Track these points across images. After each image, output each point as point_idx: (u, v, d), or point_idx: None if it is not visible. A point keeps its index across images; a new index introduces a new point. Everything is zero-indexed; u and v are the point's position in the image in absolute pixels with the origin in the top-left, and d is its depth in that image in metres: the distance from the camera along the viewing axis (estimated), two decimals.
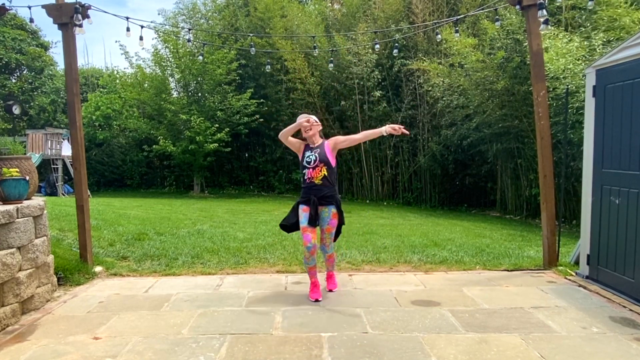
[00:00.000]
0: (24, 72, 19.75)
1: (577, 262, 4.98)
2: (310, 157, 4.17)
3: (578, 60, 8.63)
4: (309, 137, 4.24)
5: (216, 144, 15.40)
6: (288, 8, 16.31)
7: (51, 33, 29.76)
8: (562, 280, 4.71)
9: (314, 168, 4.13)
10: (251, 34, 10.65)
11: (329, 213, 4.16)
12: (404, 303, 4.02)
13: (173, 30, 16.91)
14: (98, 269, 5.07)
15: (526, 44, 7.69)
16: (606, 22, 9.13)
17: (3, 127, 18.40)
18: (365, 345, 3.15)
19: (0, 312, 3.47)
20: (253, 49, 6.59)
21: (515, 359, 2.93)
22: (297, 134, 4.33)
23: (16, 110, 18.84)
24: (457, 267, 5.29)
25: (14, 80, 19.45)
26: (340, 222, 4.28)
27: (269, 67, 10.22)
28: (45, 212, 4.24)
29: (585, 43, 8.91)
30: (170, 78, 17.22)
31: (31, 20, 5.35)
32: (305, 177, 4.18)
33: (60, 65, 20.54)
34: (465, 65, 11.69)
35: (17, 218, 3.72)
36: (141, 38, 5.59)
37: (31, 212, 3.94)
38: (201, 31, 16.98)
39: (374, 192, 15.62)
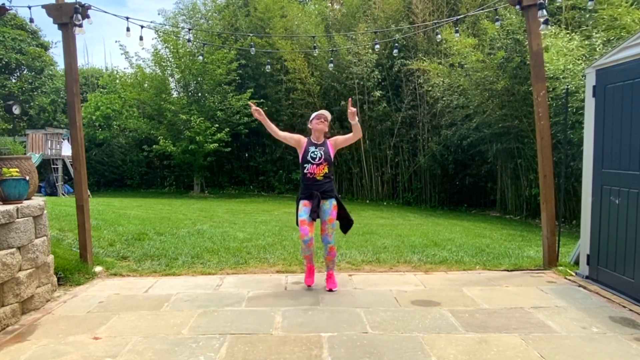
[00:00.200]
0: (24, 72, 19.74)
1: (577, 262, 4.98)
2: (316, 153, 4.31)
3: (578, 59, 8.63)
4: (318, 131, 4.37)
5: (216, 144, 15.41)
6: (288, 8, 16.31)
7: (51, 33, 29.80)
8: (562, 280, 4.71)
9: (318, 165, 4.29)
10: (251, 34, 10.66)
11: (329, 205, 4.36)
12: (404, 303, 4.02)
13: (173, 30, 16.91)
14: (98, 269, 5.07)
15: (526, 44, 7.69)
16: (607, 21, 9.13)
17: (3, 127, 18.40)
18: (365, 345, 3.15)
19: (0, 312, 3.47)
20: (253, 49, 6.60)
21: (515, 359, 2.93)
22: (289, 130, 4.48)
23: (16, 110, 18.84)
24: (457, 267, 5.29)
25: (14, 80, 19.45)
26: (346, 213, 4.50)
27: (269, 67, 10.22)
28: (45, 212, 4.24)
29: (586, 42, 8.91)
30: (170, 78, 17.22)
31: (31, 20, 5.35)
32: (307, 172, 4.31)
33: (60, 65, 20.58)
34: (465, 65, 11.68)
35: (17, 218, 3.72)
36: (141, 38, 5.60)
37: (31, 212, 3.94)
38: (201, 31, 16.99)
39: (374, 192, 15.62)
